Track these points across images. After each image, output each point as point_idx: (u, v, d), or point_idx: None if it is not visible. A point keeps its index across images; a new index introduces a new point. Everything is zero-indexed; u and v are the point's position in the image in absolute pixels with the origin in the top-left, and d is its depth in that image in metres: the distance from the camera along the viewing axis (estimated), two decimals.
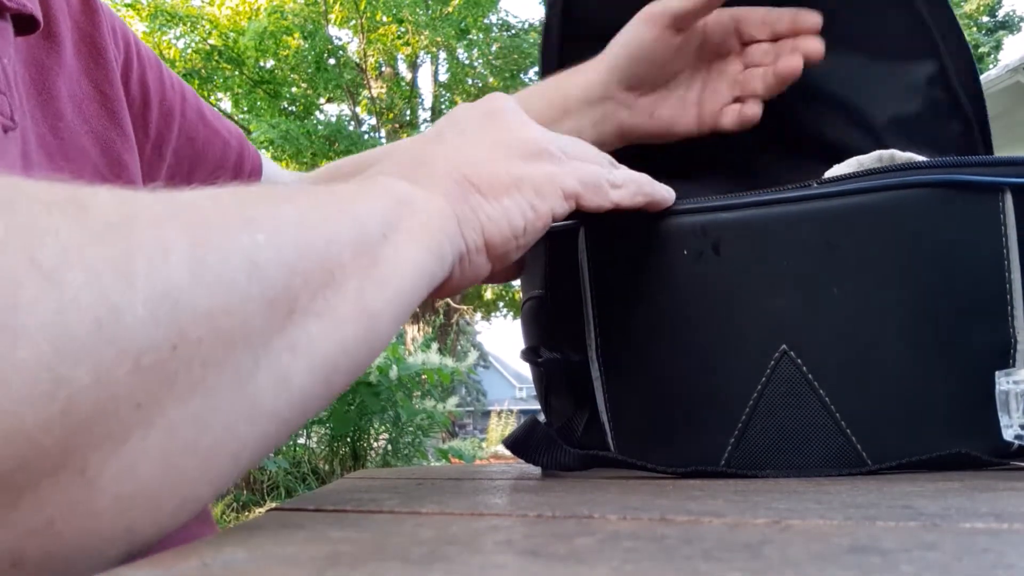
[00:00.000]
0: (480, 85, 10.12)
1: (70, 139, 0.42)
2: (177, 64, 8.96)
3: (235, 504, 3.60)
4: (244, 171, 0.56)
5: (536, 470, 0.50)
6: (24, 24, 0.40)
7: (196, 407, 0.21)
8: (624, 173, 0.41)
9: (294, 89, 9.87)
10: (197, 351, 0.20)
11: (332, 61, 9.55)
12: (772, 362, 0.40)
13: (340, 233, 0.27)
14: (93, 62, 0.46)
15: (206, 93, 9.37)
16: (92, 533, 0.19)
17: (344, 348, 0.26)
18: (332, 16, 9.26)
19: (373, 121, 10.15)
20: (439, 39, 9.22)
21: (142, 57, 0.50)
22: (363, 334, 0.27)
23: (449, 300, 10.25)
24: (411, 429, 3.95)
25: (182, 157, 0.52)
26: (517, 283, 0.53)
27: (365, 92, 9.86)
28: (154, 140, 0.50)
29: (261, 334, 0.23)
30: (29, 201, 0.19)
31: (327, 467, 3.94)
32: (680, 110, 0.56)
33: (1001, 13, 12.99)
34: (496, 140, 0.38)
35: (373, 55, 9.75)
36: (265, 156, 0.60)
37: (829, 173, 0.44)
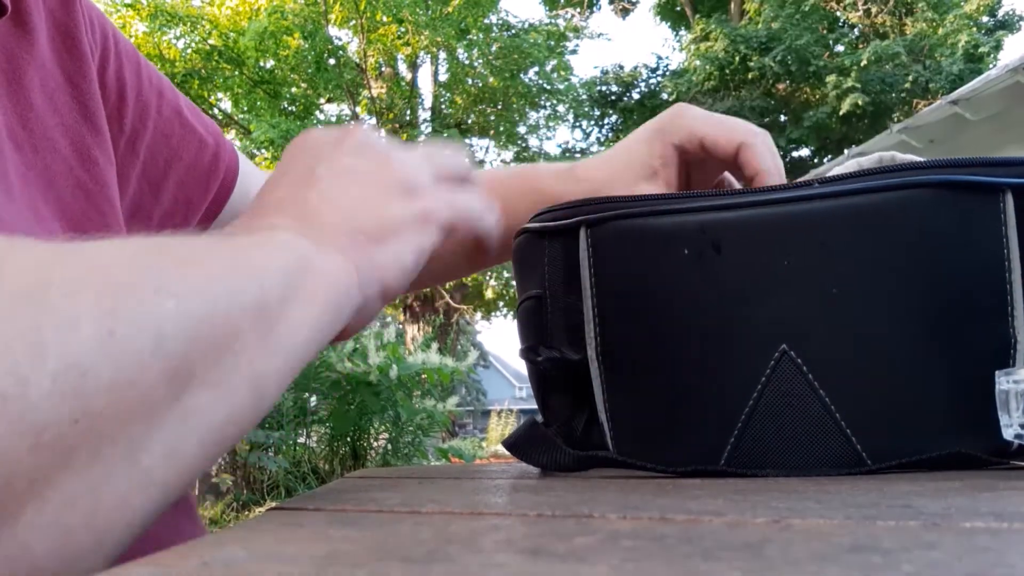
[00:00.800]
0: (480, 85, 10.12)
1: (40, 131, 0.41)
2: (177, 64, 8.96)
3: (235, 503, 3.60)
4: (219, 171, 0.55)
5: (536, 469, 0.50)
6: None
7: (92, 480, 0.20)
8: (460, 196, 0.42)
9: (294, 89, 9.87)
10: (95, 424, 0.20)
11: (332, 61, 9.55)
12: (772, 361, 0.40)
13: (242, 299, 0.27)
14: (67, 53, 0.44)
15: (206, 93, 9.38)
16: None
17: (231, 417, 0.26)
18: (332, 16, 9.26)
19: (373, 121, 10.14)
20: (439, 39, 9.22)
21: (119, 51, 0.49)
22: (251, 402, 0.27)
23: (449, 300, 10.25)
24: (411, 428, 3.95)
25: (156, 154, 0.51)
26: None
27: (365, 92, 9.86)
28: (129, 135, 0.49)
29: (157, 406, 0.23)
30: None
31: (327, 466, 3.94)
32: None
33: (1001, 13, 12.97)
34: (373, 180, 0.37)
35: (373, 55, 9.75)
36: (243, 157, 0.59)
37: (830, 173, 0.44)
